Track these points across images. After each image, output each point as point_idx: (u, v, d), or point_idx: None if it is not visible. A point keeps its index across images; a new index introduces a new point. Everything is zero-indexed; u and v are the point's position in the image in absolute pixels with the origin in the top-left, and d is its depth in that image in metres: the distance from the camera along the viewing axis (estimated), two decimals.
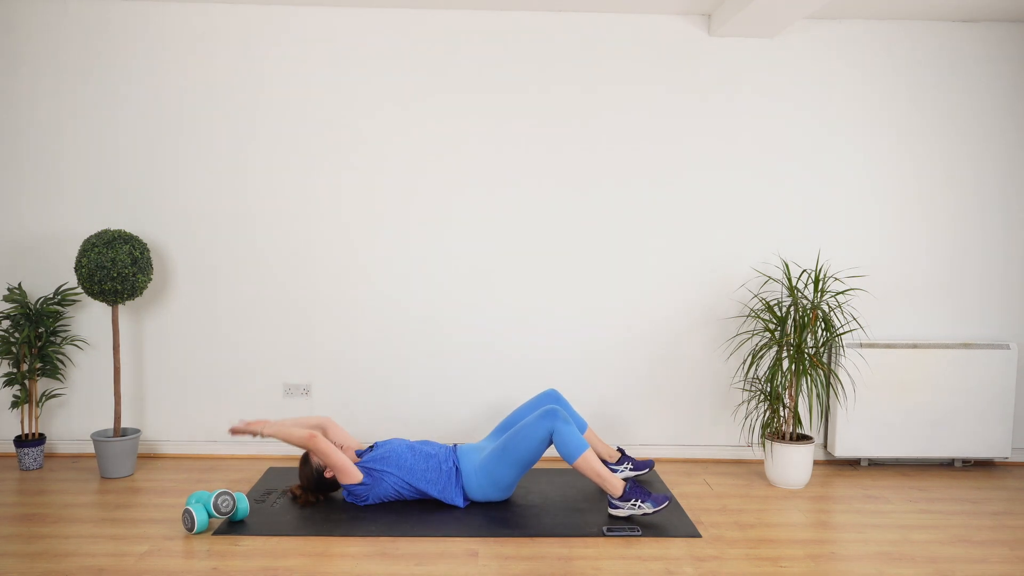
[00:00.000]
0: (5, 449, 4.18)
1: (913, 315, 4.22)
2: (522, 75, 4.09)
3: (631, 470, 3.82)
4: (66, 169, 4.08)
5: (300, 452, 4.18)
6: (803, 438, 3.84)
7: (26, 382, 3.93)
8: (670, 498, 3.28)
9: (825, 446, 4.23)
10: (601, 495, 3.60)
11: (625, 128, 4.12)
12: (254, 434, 3.45)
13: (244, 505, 3.22)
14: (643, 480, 3.82)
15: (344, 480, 3.40)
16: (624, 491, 3.28)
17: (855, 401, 4.06)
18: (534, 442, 3.32)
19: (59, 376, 4.00)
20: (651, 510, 3.24)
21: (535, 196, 4.14)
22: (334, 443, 3.51)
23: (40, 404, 4.02)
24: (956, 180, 4.17)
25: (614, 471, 3.80)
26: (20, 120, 4.06)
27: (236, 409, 4.19)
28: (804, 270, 4.05)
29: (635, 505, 3.26)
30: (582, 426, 3.77)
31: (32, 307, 3.90)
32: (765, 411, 3.85)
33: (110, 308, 4.09)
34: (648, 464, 3.85)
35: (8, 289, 3.94)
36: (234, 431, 3.44)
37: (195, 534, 3.11)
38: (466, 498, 3.46)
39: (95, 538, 3.07)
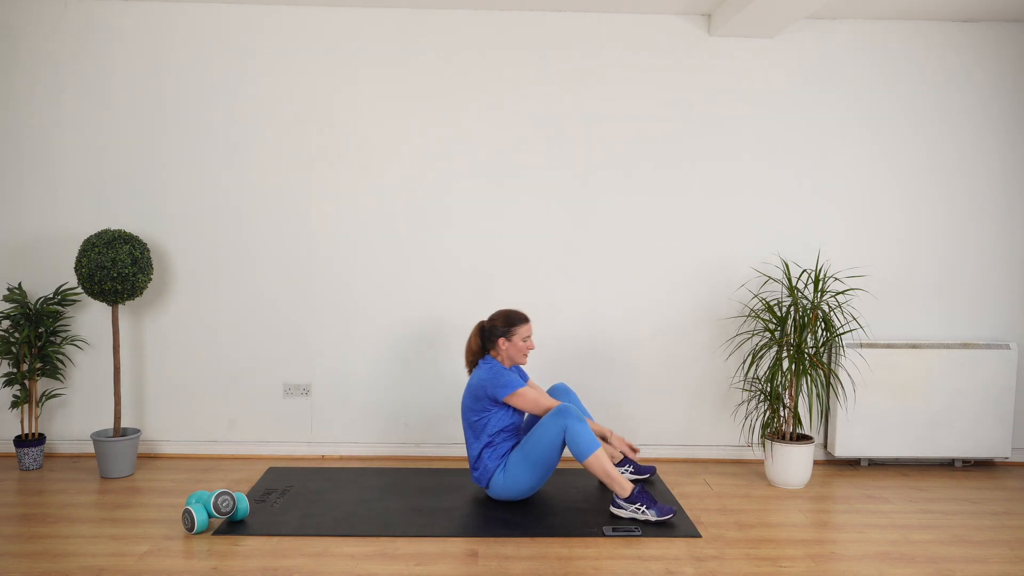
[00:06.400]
0: (5, 449, 4.18)
1: (913, 315, 4.22)
2: (521, 76, 4.09)
3: (632, 473, 3.81)
4: (66, 169, 4.08)
5: (301, 454, 4.19)
6: (803, 438, 3.84)
7: (26, 382, 3.93)
8: (675, 511, 3.27)
9: (825, 446, 4.23)
10: (601, 495, 3.60)
11: (625, 128, 4.12)
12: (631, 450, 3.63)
13: (244, 505, 3.22)
14: (647, 484, 3.81)
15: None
16: (632, 493, 3.27)
17: (855, 401, 4.06)
18: (548, 441, 3.30)
19: (59, 376, 3.99)
20: (654, 518, 3.23)
21: (535, 197, 4.14)
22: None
23: (40, 404, 4.02)
24: (956, 180, 4.17)
25: None
26: (20, 120, 4.06)
27: (236, 409, 4.19)
28: (804, 270, 4.05)
29: (639, 510, 3.25)
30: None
31: (32, 307, 3.90)
32: (765, 411, 3.85)
33: (110, 308, 4.09)
34: (650, 469, 3.84)
35: (8, 289, 3.94)
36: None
37: (195, 534, 3.11)
38: (490, 484, 3.45)
39: (95, 538, 3.07)
